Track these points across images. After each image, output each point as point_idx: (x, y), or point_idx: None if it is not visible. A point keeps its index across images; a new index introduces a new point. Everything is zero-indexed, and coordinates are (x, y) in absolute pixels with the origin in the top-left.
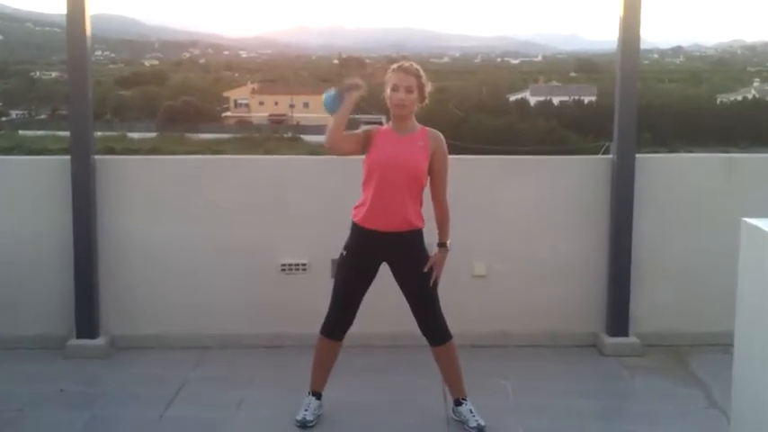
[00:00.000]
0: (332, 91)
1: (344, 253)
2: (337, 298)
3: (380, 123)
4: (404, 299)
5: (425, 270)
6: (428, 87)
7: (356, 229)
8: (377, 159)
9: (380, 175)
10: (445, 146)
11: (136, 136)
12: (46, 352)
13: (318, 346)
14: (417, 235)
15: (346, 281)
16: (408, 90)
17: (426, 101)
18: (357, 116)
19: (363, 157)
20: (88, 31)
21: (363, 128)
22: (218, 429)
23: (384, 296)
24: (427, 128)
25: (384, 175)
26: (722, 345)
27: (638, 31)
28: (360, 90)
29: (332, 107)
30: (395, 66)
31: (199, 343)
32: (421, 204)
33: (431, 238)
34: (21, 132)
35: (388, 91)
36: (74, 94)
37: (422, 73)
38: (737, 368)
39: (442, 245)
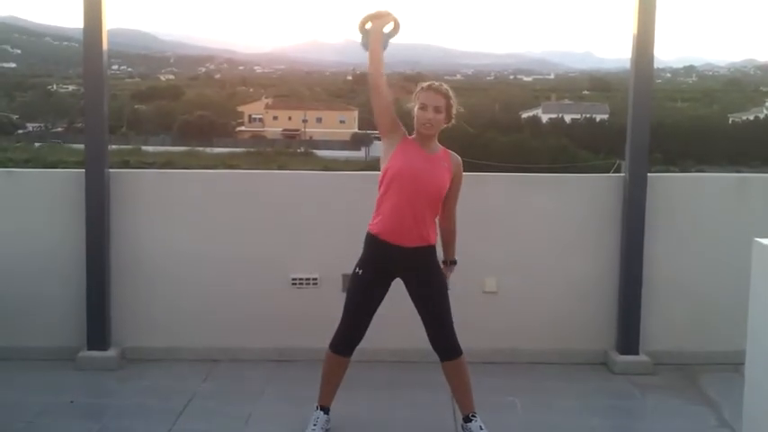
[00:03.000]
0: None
1: (358, 270)
2: (348, 313)
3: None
4: (413, 314)
5: (448, 289)
6: (455, 108)
7: (372, 242)
8: (402, 170)
9: (403, 187)
10: (462, 170)
11: (150, 149)
12: (57, 363)
13: (327, 361)
14: (431, 250)
15: (358, 295)
16: (437, 110)
17: (453, 121)
18: (369, 132)
19: (384, 165)
20: (105, 46)
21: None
22: None
23: (393, 312)
24: (449, 150)
25: (406, 189)
26: (733, 364)
27: (652, 50)
28: (384, 18)
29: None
30: (425, 85)
31: (209, 356)
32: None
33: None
34: (37, 145)
35: (415, 109)
36: (89, 108)
37: (451, 94)
38: (749, 387)
39: (452, 262)
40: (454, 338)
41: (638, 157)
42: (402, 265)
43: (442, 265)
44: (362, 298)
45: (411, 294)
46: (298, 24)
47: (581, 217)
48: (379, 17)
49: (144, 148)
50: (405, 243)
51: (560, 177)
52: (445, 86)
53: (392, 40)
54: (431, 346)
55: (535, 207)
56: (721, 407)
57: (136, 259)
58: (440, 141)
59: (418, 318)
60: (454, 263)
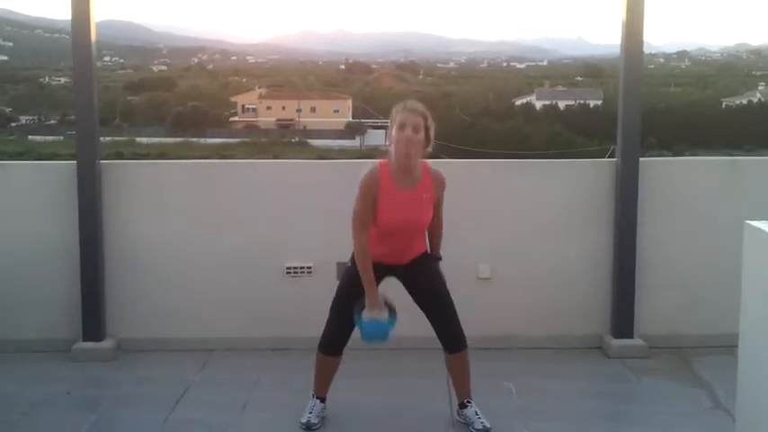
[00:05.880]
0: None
1: (350, 261)
2: (335, 314)
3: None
4: (407, 302)
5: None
6: (433, 131)
7: None
8: (386, 222)
9: (390, 233)
10: (445, 182)
11: (144, 141)
12: (52, 355)
13: (318, 361)
14: (424, 255)
15: (347, 296)
16: (416, 129)
17: (431, 145)
18: (363, 121)
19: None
20: (93, 37)
21: (364, 185)
22: None
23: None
24: (429, 167)
25: (393, 233)
26: (726, 346)
27: (641, 35)
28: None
29: (380, 332)
30: (400, 106)
31: (204, 346)
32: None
33: None
34: (30, 137)
35: (393, 131)
36: (79, 100)
37: (428, 114)
38: (742, 369)
39: (436, 259)
40: (460, 332)
41: (629, 143)
42: (393, 272)
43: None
44: (352, 297)
45: (413, 296)
46: (290, 14)
47: (574, 202)
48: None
49: (137, 139)
50: (395, 262)
51: (553, 163)
52: (422, 107)
53: (385, 29)
54: (426, 333)
55: (528, 193)
56: (715, 389)
57: (130, 250)
58: (436, 132)
59: (412, 305)
60: (438, 259)
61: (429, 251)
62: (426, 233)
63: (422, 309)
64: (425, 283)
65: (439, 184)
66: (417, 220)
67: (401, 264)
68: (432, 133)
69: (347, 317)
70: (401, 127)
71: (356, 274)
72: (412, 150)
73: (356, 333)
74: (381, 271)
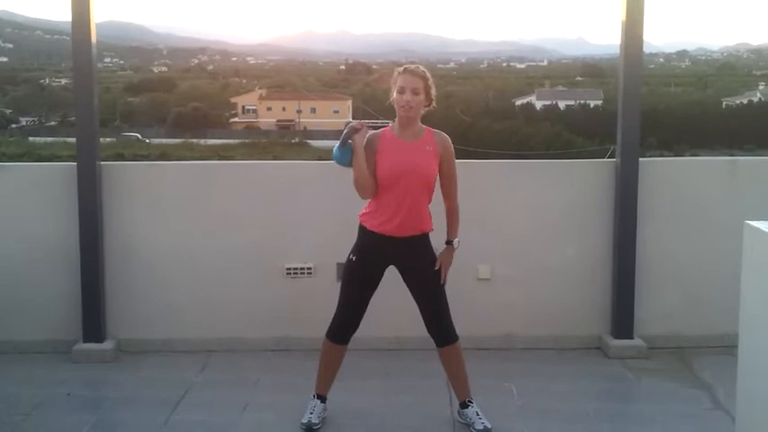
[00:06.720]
0: (336, 146)
1: (352, 257)
2: (343, 302)
3: (386, 125)
4: (408, 302)
5: (435, 269)
6: (434, 90)
7: (366, 235)
8: (389, 168)
9: (395, 184)
10: (452, 147)
11: (145, 141)
12: (53, 356)
13: (324, 350)
14: (425, 237)
15: (353, 285)
16: (415, 92)
17: (434, 103)
18: (365, 122)
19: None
20: (93, 39)
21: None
22: None
23: (388, 299)
24: (433, 129)
25: (398, 184)
26: (726, 346)
27: (641, 35)
28: (362, 131)
29: (343, 159)
30: (401, 68)
31: (204, 347)
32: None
33: (439, 238)
34: (31, 139)
35: (394, 93)
36: (79, 101)
37: (428, 75)
38: (742, 369)
39: (448, 242)
40: (450, 324)
41: (629, 143)
42: (395, 253)
43: (443, 247)
44: (357, 285)
45: (406, 281)
46: (290, 15)
47: (574, 203)
48: (356, 131)
49: (139, 139)
50: (397, 234)
51: (553, 163)
52: (422, 68)
53: (386, 29)
54: (426, 333)
55: (528, 194)
56: (715, 389)
57: (130, 251)
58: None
59: (413, 306)
60: (450, 244)
61: (447, 237)
62: (444, 209)
63: (413, 297)
64: (419, 269)
65: (442, 141)
66: (420, 170)
67: (398, 236)
68: (433, 92)
69: (354, 304)
70: (401, 91)
71: (356, 264)
72: (412, 113)
73: (363, 323)
74: (378, 247)
